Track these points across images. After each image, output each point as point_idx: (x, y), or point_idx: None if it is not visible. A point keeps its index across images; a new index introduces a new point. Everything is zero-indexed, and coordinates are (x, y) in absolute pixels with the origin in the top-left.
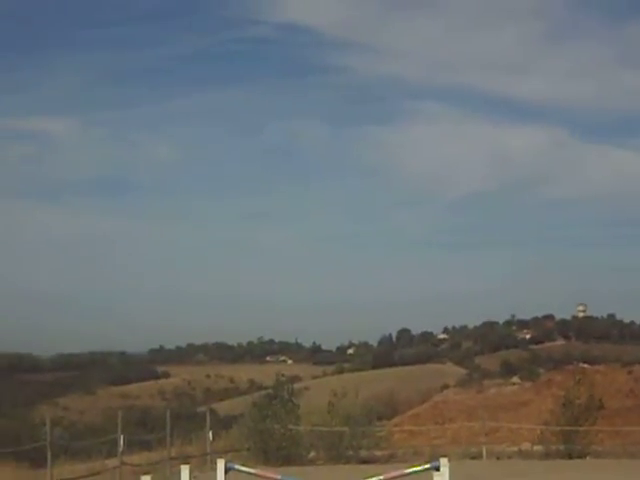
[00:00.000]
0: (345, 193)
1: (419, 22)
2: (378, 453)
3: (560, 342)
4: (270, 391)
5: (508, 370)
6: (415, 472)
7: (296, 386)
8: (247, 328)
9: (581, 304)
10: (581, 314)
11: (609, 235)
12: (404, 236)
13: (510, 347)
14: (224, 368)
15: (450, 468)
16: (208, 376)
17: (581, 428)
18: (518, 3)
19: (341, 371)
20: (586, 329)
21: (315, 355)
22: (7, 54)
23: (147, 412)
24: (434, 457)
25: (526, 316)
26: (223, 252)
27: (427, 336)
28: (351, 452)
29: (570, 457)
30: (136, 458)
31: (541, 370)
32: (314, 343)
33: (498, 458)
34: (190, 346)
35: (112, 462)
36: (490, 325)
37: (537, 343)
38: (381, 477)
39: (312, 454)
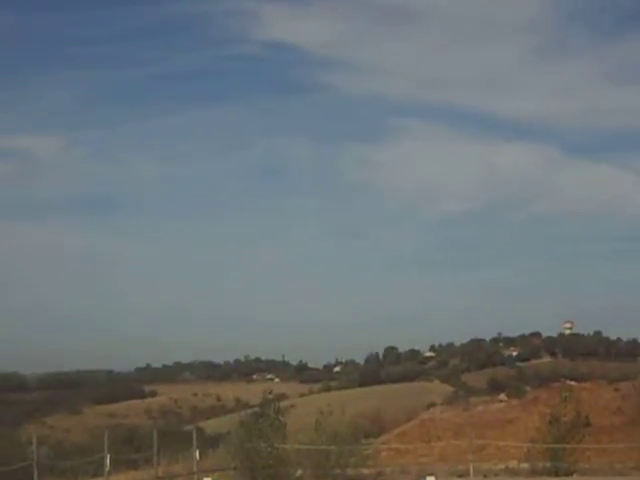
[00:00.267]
0: (331, 211)
1: (404, 40)
2: (365, 471)
3: (547, 359)
4: (257, 409)
5: (495, 387)
6: None
7: (283, 404)
8: (234, 346)
9: (568, 321)
10: (567, 331)
11: (596, 252)
12: (390, 254)
13: (497, 364)
14: (211, 386)
15: None
16: (195, 394)
17: (568, 446)
18: (506, 21)
19: (328, 389)
20: (573, 346)
21: (302, 373)
22: None
23: (134, 431)
24: (421, 475)
25: (513, 333)
26: (209, 270)
27: (414, 354)
28: (338, 470)
29: (557, 475)
30: (123, 478)
31: (528, 387)
32: (301, 361)
33: (485, 476)
34: (177, 364)
35: None
36: (477, 343)
37: (524, 360)
38: None
39: (299, 473)
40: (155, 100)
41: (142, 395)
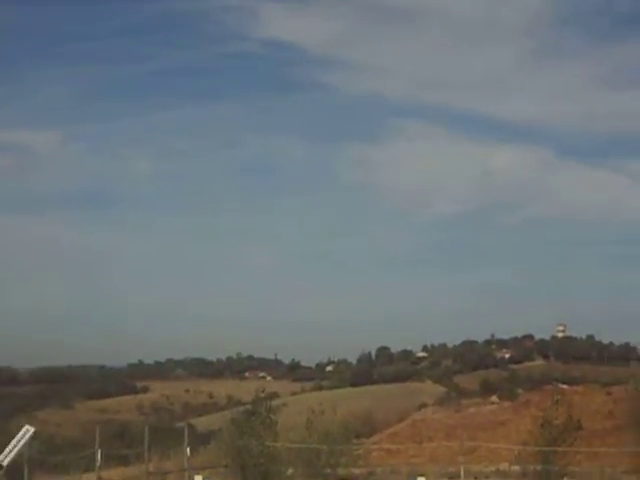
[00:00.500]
0: (326, 210)
1: (403, 40)
2: (356, 471)
3: (539, 362)
4: (249, 407)
5: (487, 389)
6: None
7: (274, 403)
8: (226, 344)
9: (561, 324)
10: (560, 334)
11: (590, 256)
12: (384, 254)
13: (489, 366)
14: (203, 383)
15: None
16: (187, 391)
17: (559, 449)
18: (504, 23)
19: (320, 388)
20: (565, 349)
21: (294, 372)
22: None
23: (125, 427)
24: (412, 476)
25: (505, 336)
26: (203, 267)
27: (406, 354)
28: (329, 470)
29: (548, 478)
30: (114, 473)
31: (520, 390)
32: (293, 360)
33: (476, 478)
34: (169, 361)
35: (89, 477)
36: (469, 344)
37: (516, 363)
38: None
39: (290, 471)
40: (152, 96)
41: (134, 391)
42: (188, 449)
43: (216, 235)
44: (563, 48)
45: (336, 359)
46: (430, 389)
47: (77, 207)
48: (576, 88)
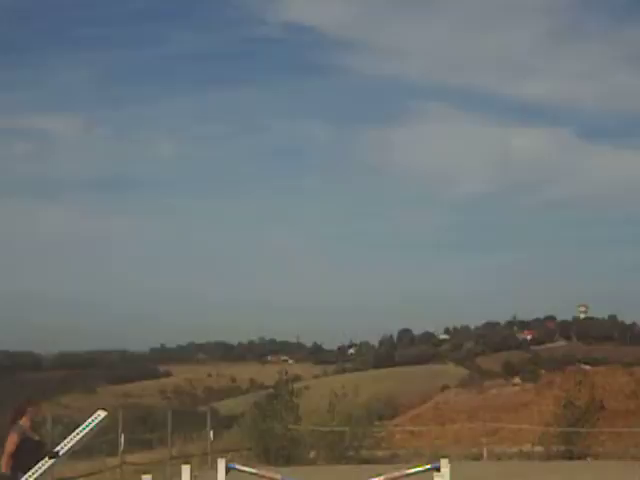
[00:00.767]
0: (347, 193)
1: (423, 22)
2: (379, 453)
3: (561, 343)
4: (271, 390)
5: (509, 371)
6: (416, 472)
7: (297, 386)
8: (248, 327)
9: (582, 305)
10: (582, 315)
11: (611, 236)
12: (406, 236)
13: (511, 348)
14: (225, 367)
15: (451, 469)
16: (209, 375)
17: (582, 429)
18: (524, 3)
19: (342, 371)
20: (587, 330)
21: (316, 355)
22: (8, 52)
23: (148, 411)
24: (435, 458)
25: (527, 317)
26: (225, 251)
27: (428, 336)
28: (352, 452)
29: (571, 458)
30: (137, 457)
31: (542, 371)
32: (315, 343)
33: (499, 459)
34: (191, 345)
35: (113, 461)
36: (491, 326)
37: (538, 344)
38: (382, 477)
39: (313, 454)
40: (172, 80)
41: (156, 375)
42: (211, 433)
43: (238, 219)
44: (583, 28)
45: (358, 342)
46: (452, 371)
47: (97, 192)
48: (597, 68)
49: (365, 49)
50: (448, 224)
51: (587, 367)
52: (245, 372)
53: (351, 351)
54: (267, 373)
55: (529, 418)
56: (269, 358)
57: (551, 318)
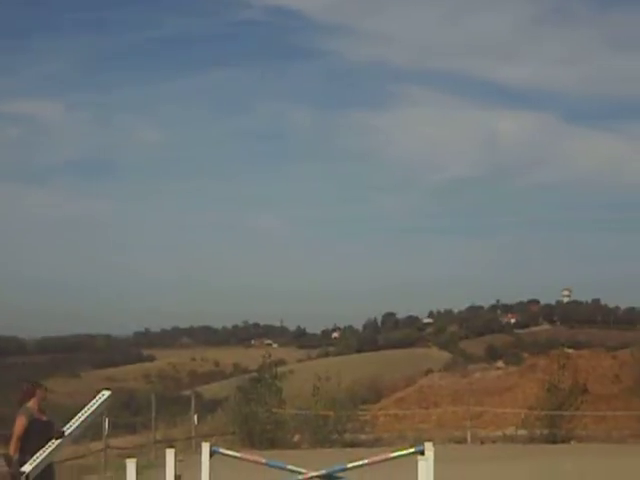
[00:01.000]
0: (332, 177)
1: (408, 6)
2: (363, 437)
3: (545, 327)
4: (255, 374)
5: (493, 354)
6: (400, 456)
7: (280, 369)
8: (232, 311)
9: (566, 289)
10: (566, 299)
11: (596, 219)
12: (390, 220)
13: (495, 332)
14: (209, 351)
15: (434, 452)
16: (193, 359)
17: (565, 413)
18: None
19: (326, 355)
20: (571, 314)
21: (300, 339)
22: None
23: (132, 395)
24: (419, 441)
25: (511, 301)
26: (209, 235)
27: (412, 320)
28: (336, 436)
29: (554, 442)
30: (121, 441)
31: (526, 355)
32: (299, 327)
33: (482, 442)
34: (175, 329)
35: (97, 445)
36: (475, 310)
37: (522, 328)
38: (366, 461)
39: (297, 438)
40: (156, 64)
41: (140, 360)
42: (195, 417)
43: (222, 202)
44: (567, 12)
45: (342, 326)
46: (436, 355)
47: (82, 176)
48: (581, 52)
49: (350, 33)
50: (433, 208)
51: (570, 351)
52: (229, 356)
53: (335, 335)
54: (251, 357)
55: (513, 402)
56: (253, 342)
57: (535, 302)
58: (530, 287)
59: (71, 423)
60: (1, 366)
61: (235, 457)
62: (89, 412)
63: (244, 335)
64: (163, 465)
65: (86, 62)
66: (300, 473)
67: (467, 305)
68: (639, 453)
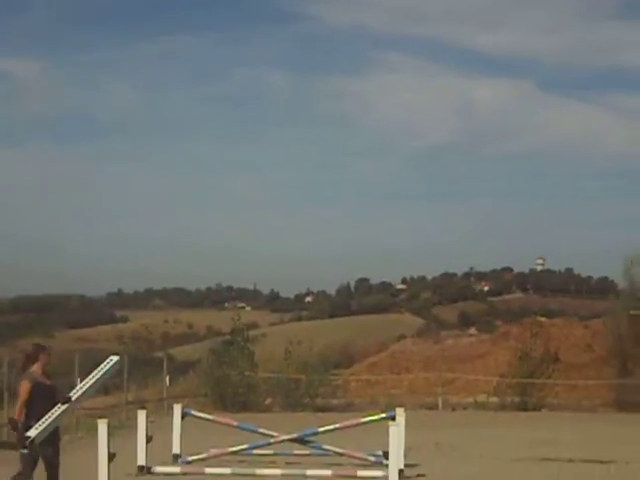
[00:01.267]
0: (307, 142)
1: None
2: (334, 401)
3: (518, 295)
4: (228, 337)
5: (465, 321)
6: (371, 421)
7: (253, 333)
8: (206, 274)
9: (540, 257)
10: (539, 267)
11: (569, 189)
12: (365, 187)
13: (468, 299)
14: (182, 313)
15: (406, 418)
16: (166, 321)
17: (537, 381)
18: None
19: (299, 319)
20: (544, 282)
21: (273, 302)
22: None
23: (105, 356)
24: (390, 407)
25: (484, 268)
26: (184, 197)
27: (385, 286)
28: (307, 400)
29: (525, 409)
30: (93, 402)
31: (498, 322)
32: (272, 290)
33: (454, 409)
34: (148, 291)
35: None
36: (448, 277)
37: (495, 295)
38: (337, 425)
39: (269, 401)
40: (135, 26)
41: (113, 320)
42: (167, 378)
43: (197, 165)
44: None
45: (315, 290)
46: (409, 321)
47: (58, 136)
48: (558, 21)
49: None
50: (407, 175)
51: (543, 319)
52: (202, 319)
53: (308, 299)
54: (224, 320)
55: (485, 369)
56: (226, 305)
57: (508, 270)
58: (504, 255)
59: (77, 388)
60: None
61: (207, 419)
62: (97, 377)
63: (217, 298)
64: (135, 426)
65: (64, 21)
66: (271, 436)
67: (441, 272)
68: (610, 421)
